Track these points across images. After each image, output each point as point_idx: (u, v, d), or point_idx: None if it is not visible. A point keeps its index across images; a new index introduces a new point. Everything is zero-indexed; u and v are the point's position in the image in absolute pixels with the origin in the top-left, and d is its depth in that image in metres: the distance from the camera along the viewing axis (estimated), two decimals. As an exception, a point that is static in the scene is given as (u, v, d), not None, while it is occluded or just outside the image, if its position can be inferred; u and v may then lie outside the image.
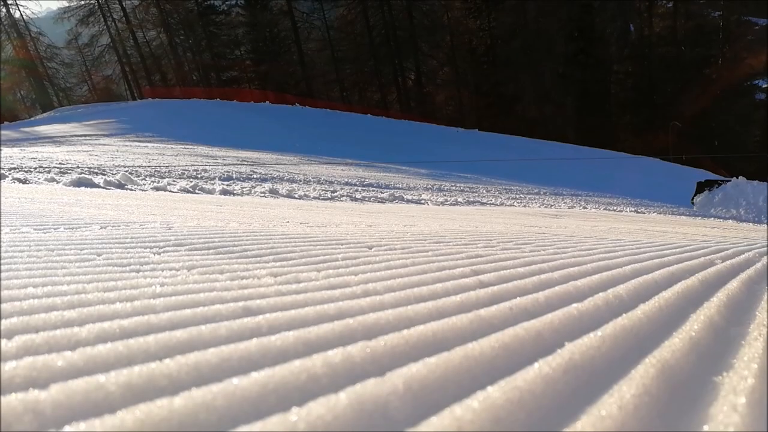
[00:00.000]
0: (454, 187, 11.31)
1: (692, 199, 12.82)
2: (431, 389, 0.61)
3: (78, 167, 8.25)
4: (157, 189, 5.38)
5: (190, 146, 16.37)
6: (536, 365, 0.67)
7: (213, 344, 0.72)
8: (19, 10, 45.23)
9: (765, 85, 36.91)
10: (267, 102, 34.67)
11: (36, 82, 46.75)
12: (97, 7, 44.17)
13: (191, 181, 7.65)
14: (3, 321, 0.78)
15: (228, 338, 0.76)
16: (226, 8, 45.68)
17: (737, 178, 12.59)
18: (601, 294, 1.15)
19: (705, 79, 33.59)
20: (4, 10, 43.87)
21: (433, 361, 0.66)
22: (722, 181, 13.00)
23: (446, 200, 8.18)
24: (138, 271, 1.24)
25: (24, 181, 5.68)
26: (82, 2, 44.51)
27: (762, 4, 34.35)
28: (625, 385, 0.64)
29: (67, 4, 44.64)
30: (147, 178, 7.68)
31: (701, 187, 13.12)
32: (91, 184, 5.85)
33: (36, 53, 46.13)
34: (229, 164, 12.15)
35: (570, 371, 0.68)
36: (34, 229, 1.89)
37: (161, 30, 45.83)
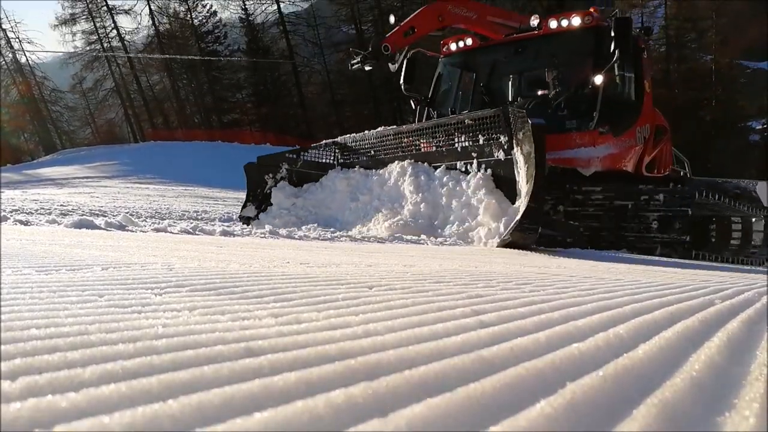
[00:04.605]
0: (453, 227, 11.28)
1: (241, 210, 7.90)
2: (434, 429, 0.61)
3: (79, 209, 8.29)
4: (157, 230, 5.38)
5: (191, 188, 16.49)
6: (539, 405, 0.67)
7: (216, 385, 0.72)
8: (25, 55, 46.32)
9: (759, 127, 37.52)
10: (268, 144, 35.11)
11: (40, 124, 47.46)
12: (102, 53, 45.26)
13: (192, 222, 7.66)
14: (6, 363, 0.78)
15: (230, 379, 0.76)
16: (228, 53, 46.75)
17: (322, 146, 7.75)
18: (601, 334, 1.15)
19: (699, 121, 34.10)
20: (10, 55, 44.92)
21: (436, 401, 0.66)
22: (295, 155, 7.71)
23: (445, 240, 8.17)
24: (140, 312, 1.24)
25: (26, 223, 5.70)
26: (88, 48, 45.64)
27: (753, 48, 35.26)
28: (628, 425, 0.64)
29: (72, 50, 45.78)
30: (148, 220, 7.70)
31: (256, 173, 7.49)
32: (93, 226, 5.85)
33: (41, 96, 46.99)
34: (230, 205, 12.20)
35: (572, 411, 0.68)
36: (36, 271, 1.90)
37: (164, 74, 46.79)
